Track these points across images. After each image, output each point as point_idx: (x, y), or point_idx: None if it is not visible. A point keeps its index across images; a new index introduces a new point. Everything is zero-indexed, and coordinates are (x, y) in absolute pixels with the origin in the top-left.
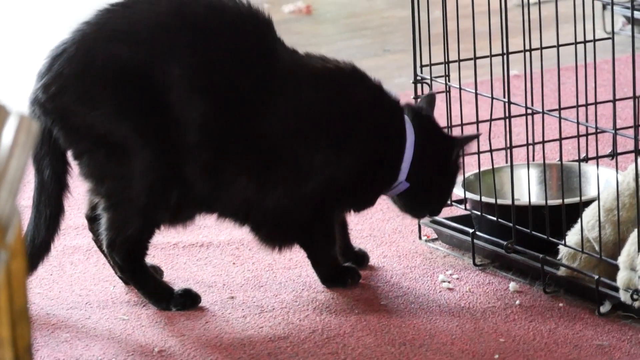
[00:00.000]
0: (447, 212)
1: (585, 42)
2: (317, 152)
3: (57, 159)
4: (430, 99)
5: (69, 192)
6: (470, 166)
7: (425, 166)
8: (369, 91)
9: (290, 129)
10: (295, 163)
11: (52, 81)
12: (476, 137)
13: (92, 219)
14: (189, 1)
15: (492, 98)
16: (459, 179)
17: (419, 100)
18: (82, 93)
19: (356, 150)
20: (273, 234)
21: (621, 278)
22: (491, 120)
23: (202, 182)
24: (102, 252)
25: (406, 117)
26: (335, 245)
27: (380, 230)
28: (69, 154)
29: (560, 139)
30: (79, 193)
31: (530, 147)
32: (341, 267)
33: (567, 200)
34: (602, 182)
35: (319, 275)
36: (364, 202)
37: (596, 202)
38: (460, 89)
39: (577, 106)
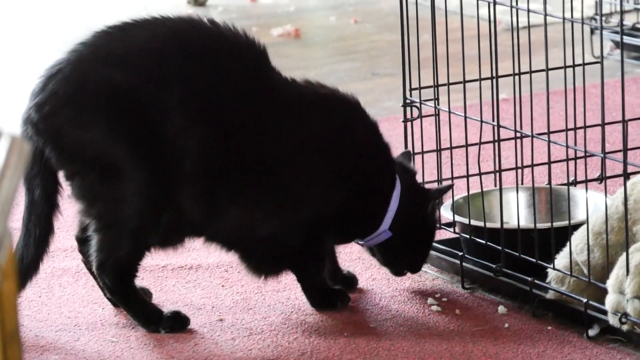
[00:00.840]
0: (436, 235)
1: (574, 66)
2: (313, 183)
3: (48, 179)
4: (408, 155)
5: (59, 212)
6: (459, 189)
7: (407, 218)
8: (367, 131)
9: (287, 158)
10: (291, 193)
11: (46, 101)
12: (450, 187)
13: (82, 241)
14: (186, 28)
15: (482, 121)
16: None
17: (397, 156)
18: (75, 114)
19: (349, 187)
20: (263, 262)
21: (610, 301)
22: (480, 143)
23: (195, 208)
24: (92, 273)
25: (398, 178)
26: (325, 270)
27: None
28: (61, 175)
29: (549, 163)
30: (68, 215)
31: (519, 171)
32: (331, 290)
33: (556, 224)
34: (591, 205)
35: (309, 299)
36: (346, 238)
37: (585, 226)
38: (449, 112)
39: (566, 130)
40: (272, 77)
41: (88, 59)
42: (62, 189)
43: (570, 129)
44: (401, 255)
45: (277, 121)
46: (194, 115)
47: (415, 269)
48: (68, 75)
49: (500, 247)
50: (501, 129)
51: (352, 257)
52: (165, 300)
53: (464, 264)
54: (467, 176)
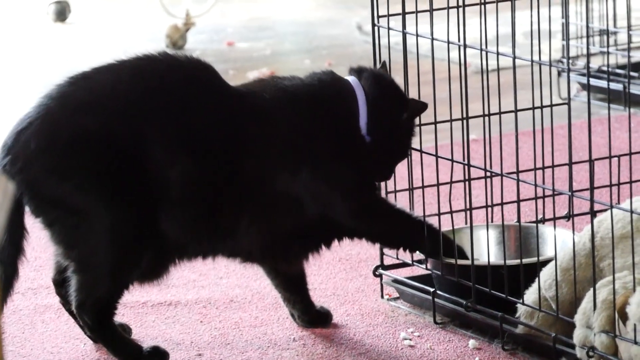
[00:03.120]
0: (408, 271)
1: (542, 107)
2: (303, 175)
3: (16, 225)
4: (384, 65)
5: (24, 256)
6: None
7: (380, 123)
8: (314, 94)
9: (269, 159)
10: (290, 187)
11: (20, 154)
12: (424, 106)
13: (59, 283)
14: (144, 64)
15: (452, 161)
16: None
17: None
18: (51, 165)
19: (331, 145)
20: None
21: (577, 335)
22: (451, 182)
23: (193, 234)
24: (70, 313)
25: (353, 80)
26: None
27: (344, 290)
28: (39, 221)
29: (519, 201)
30: (50, 253)
31: (489, 209)
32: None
33: (525, 260)
34: (558, 242)
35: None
36: (375, 173)
37: (553, 262)
38: (421, 152)
39: (535, 169)
40: (228, 90)
41: (58, 111)
42: (28, 235)
43: (539, 168)
44: (377, 162)
45: (246, 128)
46: (172, 145)
47: (385, 176)
48: (40, 128)
49: (471, 284)
50: (471, 168)
51: (326, 293)
52: (144, 335)
53: (435, 299)
54: (439, 214)
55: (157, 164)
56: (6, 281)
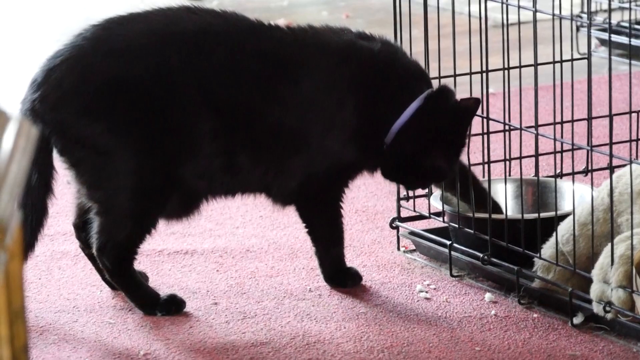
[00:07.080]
0: (425, 224)
1: (562, 61)
2: (320, 134)
3: (45, 165)
4: (446, 92)
5: (53, 195)
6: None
7: (404, 140)
8: (364, 65)
9: (296, 116)
10: (304, 146)
11: (52, 92)
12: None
13: (80, 227)
14: (177, 16)
15: None
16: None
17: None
18: (82, 106)
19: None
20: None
21: (594, 290)
22: (470, 135)
23: (217, 178)
24: (90, 258)
25: (423, 97)
26: (342, 242)
27: (360, 241)
28: (63, 161)
29: (537, 155)
30: (67, 200)
31: (507, 163)
32: (345, 269)
33: (543, 215)
34: (576, 197)
35: (322, 272)
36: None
37: (571, 217)
38: None
39: (554, 123)
40: (263, 38)
41: (91, 53)
42: (57, 174)
43: (558, 123)
44: (393, 171)
45: (280, 80)
46: (203, 97)
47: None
48: (72, 68)
49: (487, 237)
50: (490, 121)
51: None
52: (161, 284)
53: (452, 252)
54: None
55: (186, 113)
56: (36, 222)
